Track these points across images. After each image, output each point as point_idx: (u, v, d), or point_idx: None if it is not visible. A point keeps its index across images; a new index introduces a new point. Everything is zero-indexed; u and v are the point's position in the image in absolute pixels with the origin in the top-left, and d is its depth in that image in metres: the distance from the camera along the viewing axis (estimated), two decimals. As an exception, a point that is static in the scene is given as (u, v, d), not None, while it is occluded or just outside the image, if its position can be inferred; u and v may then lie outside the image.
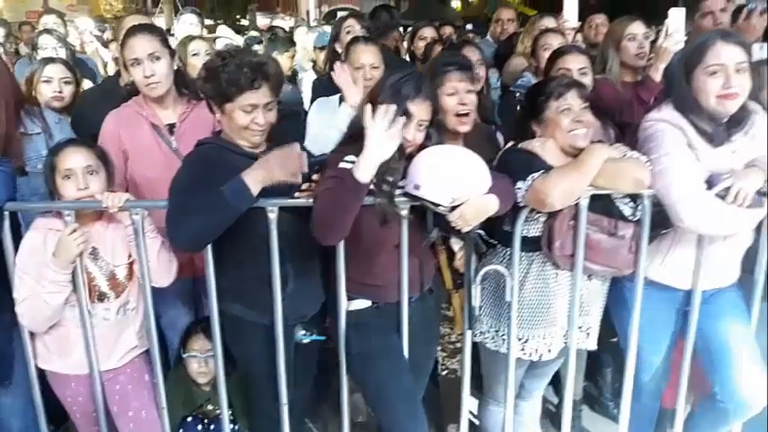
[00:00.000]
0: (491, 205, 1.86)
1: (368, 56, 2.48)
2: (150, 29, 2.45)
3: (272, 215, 1.91)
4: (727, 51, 1.91)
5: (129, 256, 2.08)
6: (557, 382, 2.60)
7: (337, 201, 1.76)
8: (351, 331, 2.03)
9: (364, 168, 1.74)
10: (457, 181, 1.83)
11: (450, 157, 1.85)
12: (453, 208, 1.83)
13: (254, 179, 1.83)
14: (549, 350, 2.14)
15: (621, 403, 2.24)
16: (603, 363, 2.89)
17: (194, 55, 3.10)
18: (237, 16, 12.70)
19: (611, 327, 2.27)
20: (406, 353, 2.06)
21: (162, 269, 2.06)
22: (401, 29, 5.17)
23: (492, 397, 2.36)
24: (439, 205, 1.84)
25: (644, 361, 2.20)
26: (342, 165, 1.82)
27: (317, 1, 24.16)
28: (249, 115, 1.88)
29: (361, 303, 2.03)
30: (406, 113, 1.82)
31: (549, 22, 3.61)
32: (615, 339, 2.34)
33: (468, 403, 2.28)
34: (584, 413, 2.83)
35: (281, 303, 1.98)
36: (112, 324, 2.08)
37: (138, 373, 2.17)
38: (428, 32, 4.12)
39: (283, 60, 3.92)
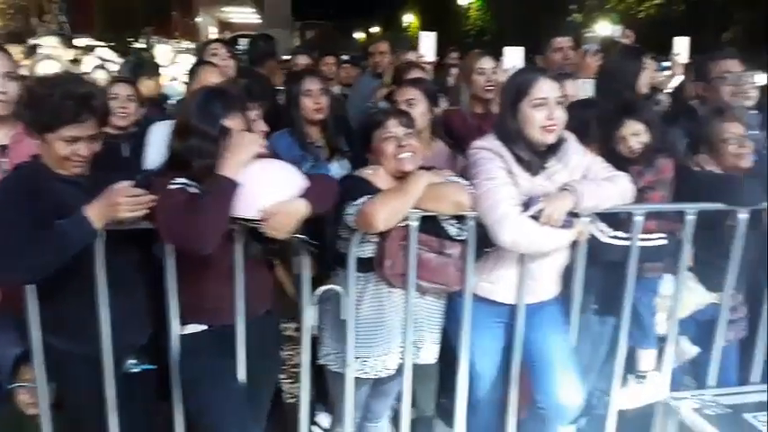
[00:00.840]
0: (300, 208, 1.89)
1: (213, 76, 2.55)
2: (6, 51, 2.38)
3: (100, 240, 1.87)
4: (549, 86, 2.11)
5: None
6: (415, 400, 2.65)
7: (215, 206, 1.78)
8: (184, 357, 2.01)
9: (234, 167, 1.80)
10: (258, 193, 1.85)
11: (248, 171, 1.85)
12: (266, 220, 1.86)
13: (98, 214, 1.80)
14: (387, 367, 2.21)
15: (455, 417, 2.35)
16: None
17: None
18: (130, 39, 12.36)
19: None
20: (242, 377, 2.06)
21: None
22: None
23: (339, 419, 2.39)
24: (249, 220, 1.87)
25: (477, 374, 2.32)
26: (171, 187, 1.84)
27: (220, 27, 24.03)
28: (71, 146, 1.84)
29: (195, 327, 2.01)
30: (223, 130, 1.86)
31: (411, 56, 3.82)
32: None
33: (307, 427, 2.29)
34: (439, 429, 2.92)
35: (109, 331, 1.94)
36: None
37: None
38: (301, 60, 4.21)
39: (151, 84, 3.88)
